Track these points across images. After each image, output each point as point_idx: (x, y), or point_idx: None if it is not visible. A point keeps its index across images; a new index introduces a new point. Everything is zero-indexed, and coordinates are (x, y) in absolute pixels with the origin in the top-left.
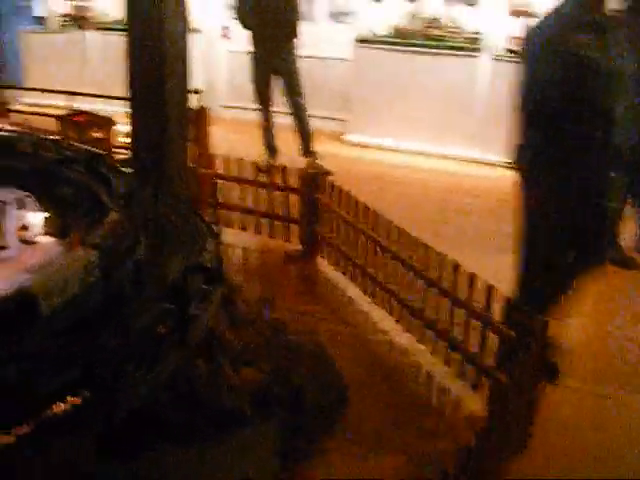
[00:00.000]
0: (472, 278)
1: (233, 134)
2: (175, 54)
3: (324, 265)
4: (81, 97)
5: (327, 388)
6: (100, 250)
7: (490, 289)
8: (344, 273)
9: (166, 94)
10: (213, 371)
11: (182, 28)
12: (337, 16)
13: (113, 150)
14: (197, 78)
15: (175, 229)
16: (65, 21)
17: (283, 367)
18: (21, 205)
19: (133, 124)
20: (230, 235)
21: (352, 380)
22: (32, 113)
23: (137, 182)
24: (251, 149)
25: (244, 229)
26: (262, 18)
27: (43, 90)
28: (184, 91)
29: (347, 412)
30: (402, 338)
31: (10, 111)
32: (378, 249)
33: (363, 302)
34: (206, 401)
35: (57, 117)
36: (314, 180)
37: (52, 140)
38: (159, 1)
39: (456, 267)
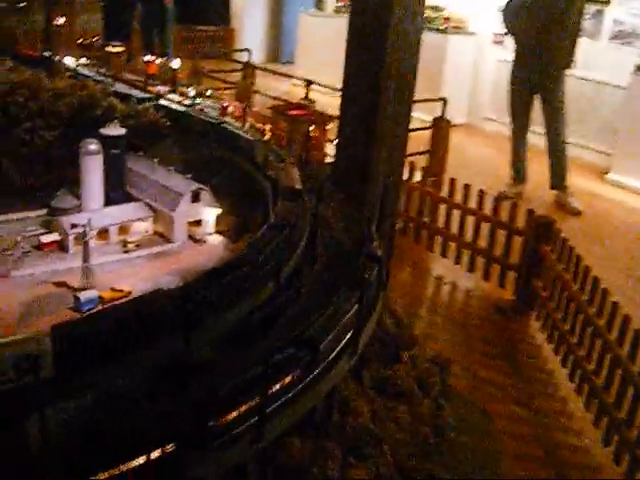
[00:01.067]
0: None
1: (486, 149)
2: (399, 53)
3: (535, 326)
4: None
5: None
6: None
7: None
8: (552, 343)
9: (381, 97)
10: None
11: (417, 24)
12: (622, 37)
13: (319, 152)
14: (462, 85)
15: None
16: (340, 6)
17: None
18: (196, 198)
19: (339, 127)
20: (440, 266)
21: None
22: (275, 97)
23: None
24: (498, 170)
25: (457, 263)
26: (532, 23)
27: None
28: (406, 97)
29: None
30: (598, 452)
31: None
32: (592, 331)
33: (564, 387)
34: None
35: (271, 107)
36: (542, 226)
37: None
38: None
39: None
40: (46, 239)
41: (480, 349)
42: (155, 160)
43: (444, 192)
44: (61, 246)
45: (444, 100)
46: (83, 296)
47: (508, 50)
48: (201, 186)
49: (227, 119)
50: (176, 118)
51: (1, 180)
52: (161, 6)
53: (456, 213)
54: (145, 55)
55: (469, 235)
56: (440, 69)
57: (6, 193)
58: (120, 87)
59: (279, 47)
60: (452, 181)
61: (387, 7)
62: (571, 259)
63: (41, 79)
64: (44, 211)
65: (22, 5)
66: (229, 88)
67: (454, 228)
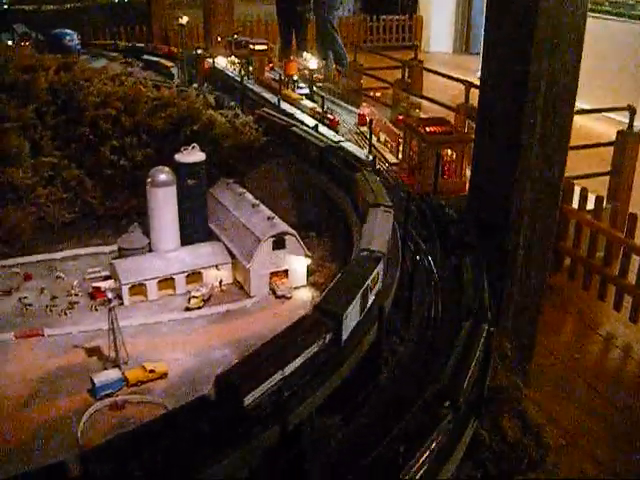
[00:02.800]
0: None
1: None
2: (551, 45)
3: None
4: None
5: None
6: None
7: None
8: None
9: (526, 107)
10: None
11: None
12: None
13: (456, 179)
14: None
15: None
16: None
17: None
18: (280, 244)
19: (474, 156)
20: (613, 321)
21: None
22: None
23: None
24: None
25: (635, 320)
26: None
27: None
28: (564, 100)
29: None
30: None
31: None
32: None
33: None
34: None
35: (402, 121)
36: None
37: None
38: None
39: None
40: (98, 287)
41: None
42: (242, 191)
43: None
44: (117, 295)
45: (632, 109)
46: (99, 380)
47: None
48: (287, 230)
49: (345, 139)
50: (285, 136)
51: (83, 204)
52: None
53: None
54: (312, 47)
55: None
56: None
57: (88, 219)
58: (256, 89)
59: (469, 36)
60: (632, 218)
61: None
62: None
63: (140, 90)
64: (116, 247)
65: None
66: (385, 88)
67: (633, 276)
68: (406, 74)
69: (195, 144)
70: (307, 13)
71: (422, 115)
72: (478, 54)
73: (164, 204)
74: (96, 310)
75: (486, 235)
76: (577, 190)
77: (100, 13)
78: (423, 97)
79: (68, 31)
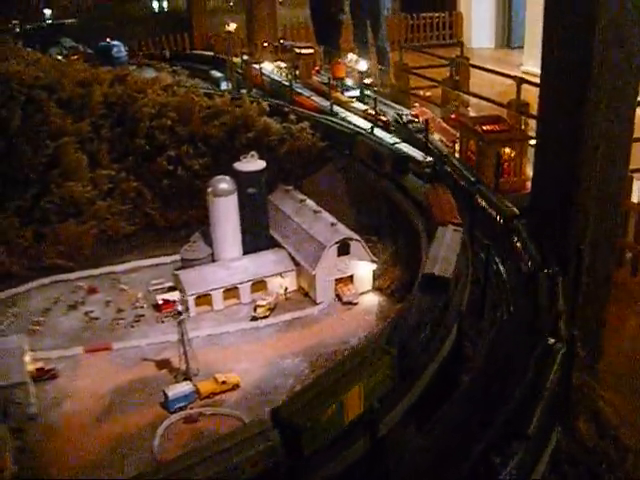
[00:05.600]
0: None
1: None
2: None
3: None
4: None
5: None
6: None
7: None
8: None
9: (586, 114)
10: None
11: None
12: None
13: (516, 178)
14: None
15: None
16: None
17: None
18: (345, 250)
19: (537, 151)
20: None
21: None
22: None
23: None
24: None
25: None
26: None
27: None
28: (628, 108)
29: None
30: None
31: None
32: None
33: None
34: None
35: (457, 121)
36: None
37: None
38: None
39: None
40: (165, 299)
41: None
42: (302, 197)
43: None
44: (183, 306)
45: None
46: (172, 393)
47: None
48: (351, 235)
49: (400, 140)
50: (340, 140)
51: (142, 215)
52: None
53: None
54: (354, 51)
55: None
56: None
57: (148, 230)
58: (305, 93)
59: (510, 30)
60: None
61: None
62: None
63: (194, 100)
64: (179, 256)
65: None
66: (432, 87)
67: None
68: (454, 72)
69: (254, 152)
70: (339, 15)
71: (471, 112)
72: (520, 48)
73: (226, 213)
74: (162, 322)
75: (549, 235)
76: (637, 184)
77: (142, 23)
78: (472, 94)
79: (115, 42)
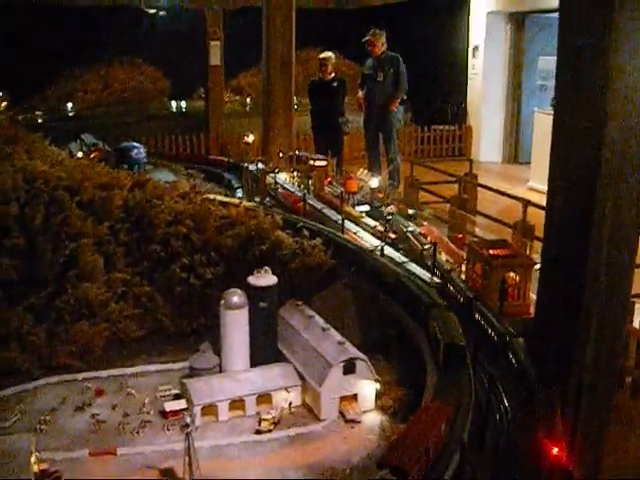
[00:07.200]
0: None
1: None
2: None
3: None
4: None
5: None
6: None
7: None
8: None
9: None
10: None
11: None
12: None
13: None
14: None
15: None
16: None
17: None
18: (350, 369)
19: (541, 278)
20: None
21: None
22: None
23: None
24: None
25: None
26: None
27: None
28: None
29: None
30: None
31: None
32: None
33: None
34: None
35: (466, 244)
36: None
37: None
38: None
39: None
40: (171, 406)
41: None
42: (311, 313)
43: None
44: (191, 418)
45: None
46: None
47: None
48: (357, 355)
49: (410, 259)
50: (351, 259)
51: (152, 320)
52: (384, 112)
53: None
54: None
55: None
56: None
57: (157, 335)
58: (317, 205)
59: (518, 146)
60: None
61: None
62: None
63: (209, 208)
64: (187, 364)
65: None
66: (440, 202)
67: None
68: (462, 190)
69: (267, 267)
70: (345, 125)
71: (478, 230)
72: (528, 164)
73: (236, 326)
74: (168, 430)
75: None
76: (638, 308)
77: (160, 121)
78: (479, 213)
79: (135, 144)
